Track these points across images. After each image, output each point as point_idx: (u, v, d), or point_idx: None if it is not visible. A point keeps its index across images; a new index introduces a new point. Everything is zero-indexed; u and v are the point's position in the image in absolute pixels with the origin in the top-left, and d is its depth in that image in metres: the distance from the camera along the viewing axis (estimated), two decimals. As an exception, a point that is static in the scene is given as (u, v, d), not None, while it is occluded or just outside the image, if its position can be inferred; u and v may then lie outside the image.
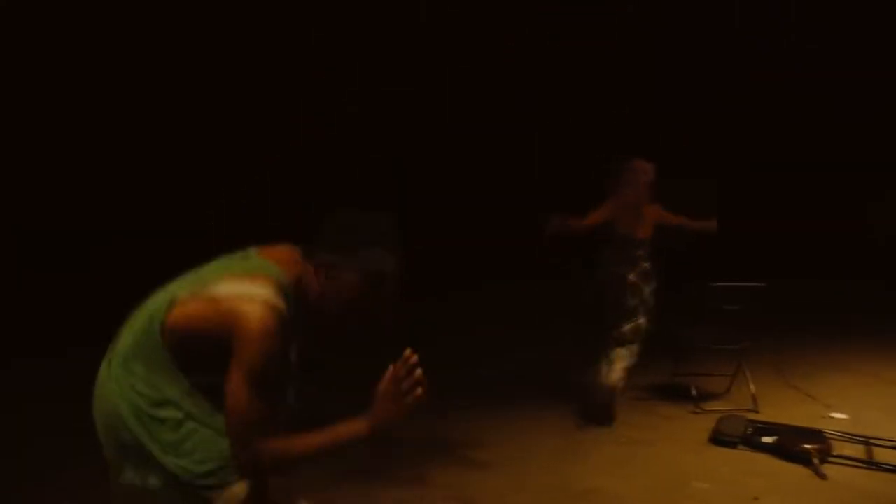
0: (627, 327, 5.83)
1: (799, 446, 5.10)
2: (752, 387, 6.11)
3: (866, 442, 5.30)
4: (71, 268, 8.53)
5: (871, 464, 5.02)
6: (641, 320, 5.84)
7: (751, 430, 5.46)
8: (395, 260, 2.57)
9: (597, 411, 5.85)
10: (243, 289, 2.43)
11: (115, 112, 9.35)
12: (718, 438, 5.42)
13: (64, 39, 9.06)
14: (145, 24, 9.49)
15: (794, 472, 4.94)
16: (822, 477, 4.83)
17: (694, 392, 6.25)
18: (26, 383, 6.47)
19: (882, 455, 5.12)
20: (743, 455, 5.21)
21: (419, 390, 2.52)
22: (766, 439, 5.31)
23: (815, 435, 5.30)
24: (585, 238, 5.75)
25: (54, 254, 8.71)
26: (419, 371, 2.51)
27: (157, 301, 2.55)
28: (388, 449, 5.31)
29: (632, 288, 5.83)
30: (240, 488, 2.51)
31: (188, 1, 9.61)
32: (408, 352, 2.50)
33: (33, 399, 6.06)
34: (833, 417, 5.88)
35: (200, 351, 2.45)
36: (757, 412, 5.90)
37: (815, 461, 4.95)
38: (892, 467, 4.95)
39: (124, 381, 2.52)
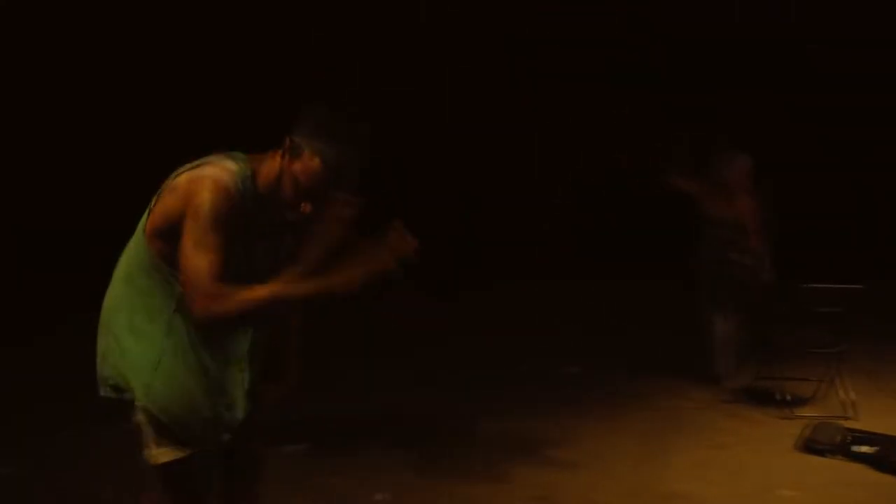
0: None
1: None
2: (850, 393, 5.96)
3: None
4: (71, 268, 8.31)
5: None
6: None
7: (849, 438, 5.23)
8: (357, 159, 2.74)
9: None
10: (195, 173, 2.65)
11: (115, 113, 9.40)
12: (812, 446, 5.25)
13: (64, 39, 9.12)
14: (145, 25, 9.51)
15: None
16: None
17: (781, 396, 6.06)
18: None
19: None
20: (834, 464, 5.02)
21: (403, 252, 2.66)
22: (866, 449, 5.08)
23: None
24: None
25: (54, 254, 8.72)
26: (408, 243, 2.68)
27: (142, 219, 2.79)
28: (466, 445, 5.31)
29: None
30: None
31: (188, 1, 9.61)
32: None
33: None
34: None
35: (169, 232, 2.64)
36: (851, 419, 5.68)
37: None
38: None
39: (114, 294, 2.80)
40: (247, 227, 2.69)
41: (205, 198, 2.58)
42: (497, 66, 11.43)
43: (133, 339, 2.74)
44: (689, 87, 11.46)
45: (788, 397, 6.08)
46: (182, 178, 2.68)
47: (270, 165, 2.74)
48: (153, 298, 2.74)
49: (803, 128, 11.46)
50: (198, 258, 2.56)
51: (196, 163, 2.75)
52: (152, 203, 2.73)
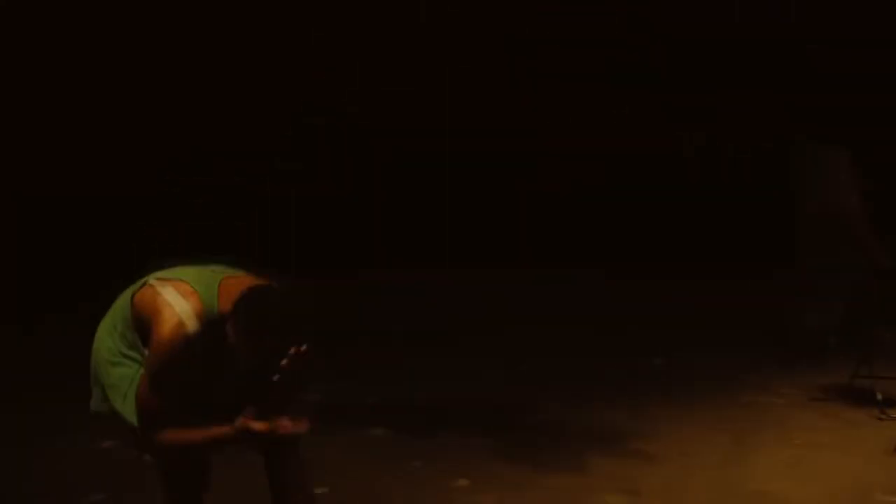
0: None
1: None
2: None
3: None
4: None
5: None
6: None
7: None
8: (283, 345, 2.94)
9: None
10: (174, 299, 2.97)
11: (115, 114, 9.41)
12: None
13: (67, 41, 9.13)
14: (146, 25, 9.54)
15: None
16: None
17: (880, 397, 5.67)
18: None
19: None
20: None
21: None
22: None
23: None
24: None
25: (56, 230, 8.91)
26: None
27: (140, 280, 3.16)
28: (548, 435, 5.22)
29: None
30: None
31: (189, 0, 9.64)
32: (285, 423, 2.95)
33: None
34: None
35: (142, 328, 3.04)
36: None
37: None
38: None
39: (105, 333, 3.17)
40: (206, 353, 2.97)
41: (165, 336, 2.91)
42: (497, 66, 11.44)
43: (113, 367, 3.12)
44: (689, 87, 11.51)
45: (881, 397, 5.73)
46: (158, 293, 3.01)
47: (238, 293, 2.98)
48: (136, 344, 3.11)
49: (803, 128, 11.46)
50: (149, 394, 2.93)
51: (171, 273, 3.10)
52: (148, 279, 3.12)
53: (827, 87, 11.24)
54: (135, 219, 9.19)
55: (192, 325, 2.93)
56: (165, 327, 2.91)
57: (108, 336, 3.15)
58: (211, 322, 2.96)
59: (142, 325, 3.03)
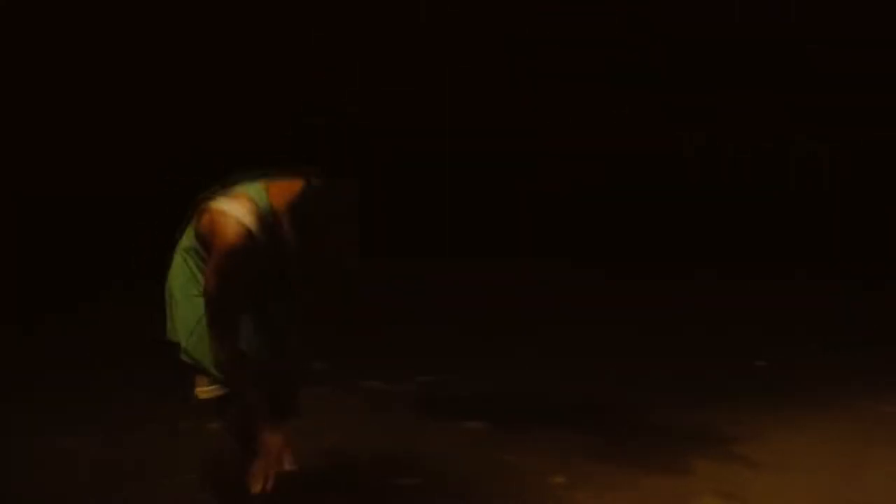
0: None
1: None
2: None
3: None
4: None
5: None
6: None
7: None
8: (339, 226, 3.22)
9: None
10: (227, 206, 3.26)
11: (115, 114, 9.47)
12: None
13: (67, 41, 9.20)
14: (145, 25, 9.59)
15: None
16: None
17: None
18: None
19: None
20: None
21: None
22: None
23: None
24: None
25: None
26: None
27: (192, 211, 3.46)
28: (646, 435, 5.17)
29: None
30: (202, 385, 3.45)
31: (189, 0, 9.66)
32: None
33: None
34: None
35: (208, 244, 3.32)
36: None
37: None
38: None
39: (178, 269, 3.47)
40: (265, 248, 3.28)
41: (227, 236, 3.21)
42: (497, 66, 11.43)
43: (182, 302, 3.43)
44: (689, 87, 11.50)
45: None
46: (212, 210, 3.31)
47: (288, 192, 3.26)
48: (199, 275, 3.39)
49: (803, 128, 11.49)
50: (213, 280, 3.24)
51: (225, 190, 3.37)
52: (208, 200, 3.39)
53: (827, 87, 11.25)
54: (135, 219, 9.19)
55: (248, 221, 3.22)
56: (226, 229, 3.22)
57: (181, 272, 3.45)
58: (265, 218, 3.26)
59: (207, 242, 3.32)
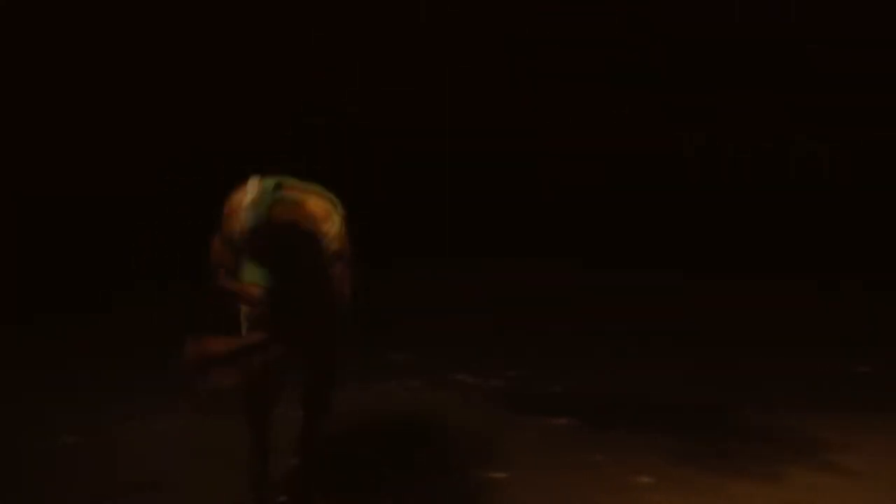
0: None
1: None
2: None
3: None
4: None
5: None
6: None
7: None
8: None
9: None
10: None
11: (114, 114, 9.42)
12: None
13: (67, 41, 9.17)
14: (145, 25, 9.55)
15: None
16: None
17: None
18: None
19: None
20: None
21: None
22: None
23: None
24: None
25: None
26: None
27: None
28: (735, 439, 5.11)
29: None
30: None
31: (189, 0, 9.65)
32: None
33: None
34: None
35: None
36: None
37: None
38: None
39: None
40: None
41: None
42: (497, 66, 11.43)
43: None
44: (689, 87, 11.50)
45: None
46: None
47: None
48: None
49: (803, 128, 11.48)
50: (215, 247, 3.85)
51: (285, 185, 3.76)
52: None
53: (827, 87, 11.25)
54: (135, 219, 9.19)
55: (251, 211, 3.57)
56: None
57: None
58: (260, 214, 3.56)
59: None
